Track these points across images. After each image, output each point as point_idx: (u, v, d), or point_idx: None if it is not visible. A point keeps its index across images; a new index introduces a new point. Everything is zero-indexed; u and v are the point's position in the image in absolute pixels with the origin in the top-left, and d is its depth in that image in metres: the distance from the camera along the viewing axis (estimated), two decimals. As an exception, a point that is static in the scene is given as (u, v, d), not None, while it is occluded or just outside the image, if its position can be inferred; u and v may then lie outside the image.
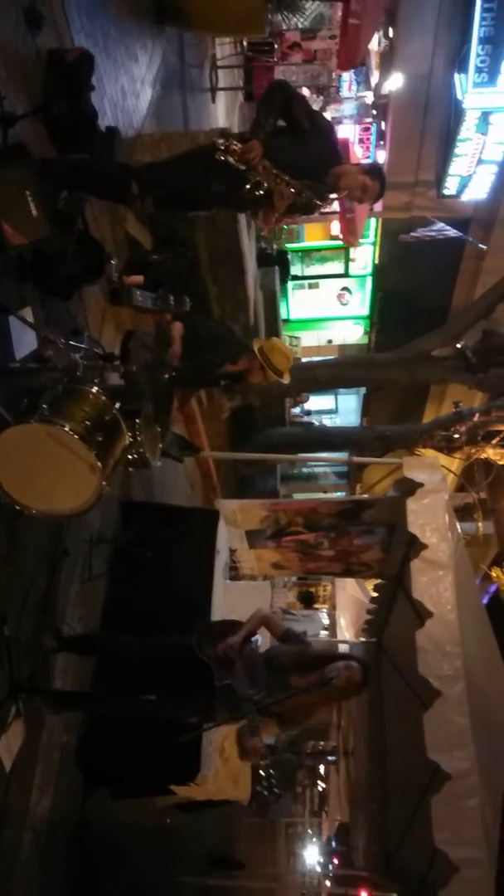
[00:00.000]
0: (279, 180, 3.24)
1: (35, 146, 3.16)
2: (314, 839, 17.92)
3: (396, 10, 11.23)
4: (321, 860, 16.46)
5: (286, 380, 3.66)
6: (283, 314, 13.44)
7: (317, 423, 14.89)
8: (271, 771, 2.64)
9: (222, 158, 3.16)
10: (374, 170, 3.53)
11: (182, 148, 4.01)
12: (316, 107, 13.15)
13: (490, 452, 8.39)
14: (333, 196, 3.49)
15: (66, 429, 2.37)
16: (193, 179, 3.34)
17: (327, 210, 13.77)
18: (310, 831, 18.30)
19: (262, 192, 3.27)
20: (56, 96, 3.24)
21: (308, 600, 15.66)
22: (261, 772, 2.63)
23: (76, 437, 2.38)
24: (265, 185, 3.25)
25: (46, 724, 3.26)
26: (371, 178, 3.45)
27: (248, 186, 3.24)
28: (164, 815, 5.15)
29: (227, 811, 6.37)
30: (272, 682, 3.03)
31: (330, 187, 3.43)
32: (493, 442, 8.31)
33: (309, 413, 16.22)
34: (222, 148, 3.15)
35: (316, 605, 16.06)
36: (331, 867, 14.97)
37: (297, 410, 15.11)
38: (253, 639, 3.27)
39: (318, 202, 3.41)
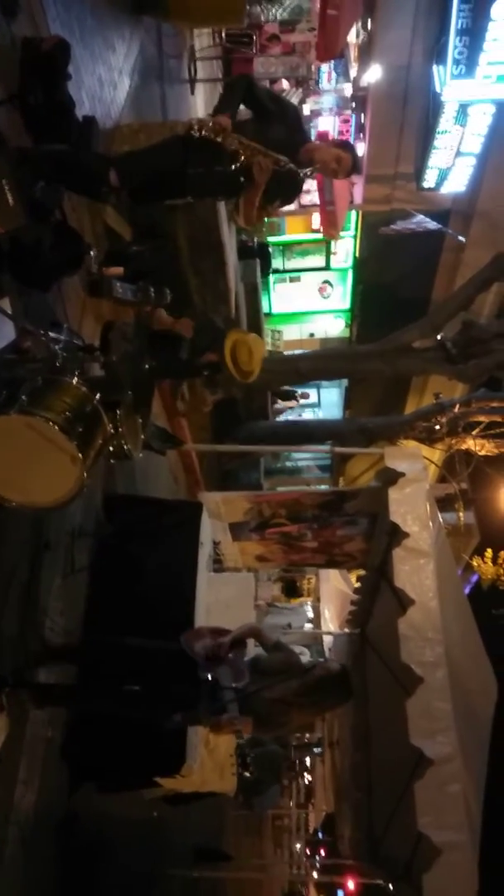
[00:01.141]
0: (255, 151, 3.24)
1: (11, 135, 3.12)
2: (301, 831, 18.06)
3: (375, 1, 11.24)
4: (308, 851, 16.59)
5: (243, 378, 3.61)
6: (264, 308, 13.41)
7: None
8: (252, 755, 2.64)
9: (197, 135, 3.16)
10: (343, 143, 3.60)
11: (161, 138, 3.99)
12: (295, 99, 13.18)
13: (471, 443, 8.46)
14: (311, 170, 3.49)
15: (47, 420, 2.35)
16: (171, 164, 3.34)
17: (307, 203, 13.80)
18: (296, 823, 18.43)
19: (239, 165, 3.27)
20: (32, 85, 3.20)
21: (291, 591, 15.71)
22: (245, 755, 2.63)
23: (57, 427, 2.35)
24: (242, 157, 3.25)
25: (30, 718, 3.25)
26: (343, 150, 3.49)
27: (224, 160, 3.24)
28: (150, 807, 5.16)
29: (213, 804, 6.39)
30: (256, 683, 3.05)
31: (304, 164, 3.45)
32: (474, 433, 8.38)
33: (307, 396, 16.18)
34: (196, 126, 3.17)
35: (299, 598, 16.12)
36: (317, 858, 15.08)
37: (279, 404, 15.09)
38: (241, 649, 3.29)
39: (299, 171, 3.41)
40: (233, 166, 3.26)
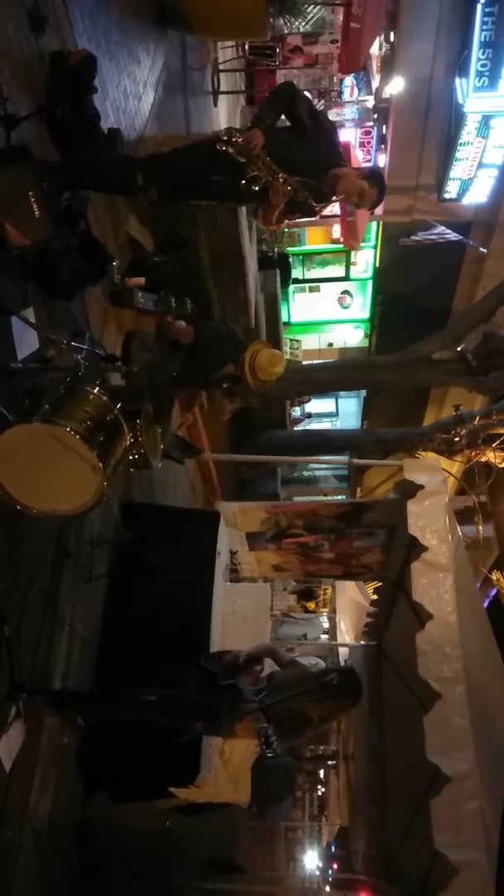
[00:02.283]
0: (276, 176, 3.26)
1: (38, 148, 3.17)
2: (314, 843, 17.87)
3: (398, 14, 11.27)
4: (321, 865, 16.41)
5: (259, 388, 3.62)
6: (283, 317, 13.43)
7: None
8: (271, 736, 2.63)
9: (223, 148, 3.18)
10: (372, 175, 3.53)
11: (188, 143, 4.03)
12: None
13: (490, 455, 8.38)
14: (332, 199, 3.49)
15: (68, 429, 2.37)
16: (195, 169, 3.37)
17: (328, 213, 13.82)
18: (309, 836, 18.24)
19: (258, 188, 3.29)
20: (59, 98, 3.25)
21: (307, 596, 15.61)
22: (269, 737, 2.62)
23: (78, 437, 2.38)
24: (262, 179, 3.27)
25: (46, 725, 3.26)
26: (370, 183, 3.45)
27: (244, 181, 3.26)
28: (164, 817, 5.14)
29: (227, 814, 6.35)
30: (274, 696, 3.04)
31: (329, 188, 3.44)
32: (494, 445, 8.30)
33: (310, 415, 16.21)
34: (225, 138, 3.19)
35: (314, 608, 16.05)
36: (330, 872, 14.91)
37: (297, 412, 15.11)
38: (258, 665, 3.30)
39: (315, 203, 3.41)
40: (252, 187, 3.28)
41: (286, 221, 3.69)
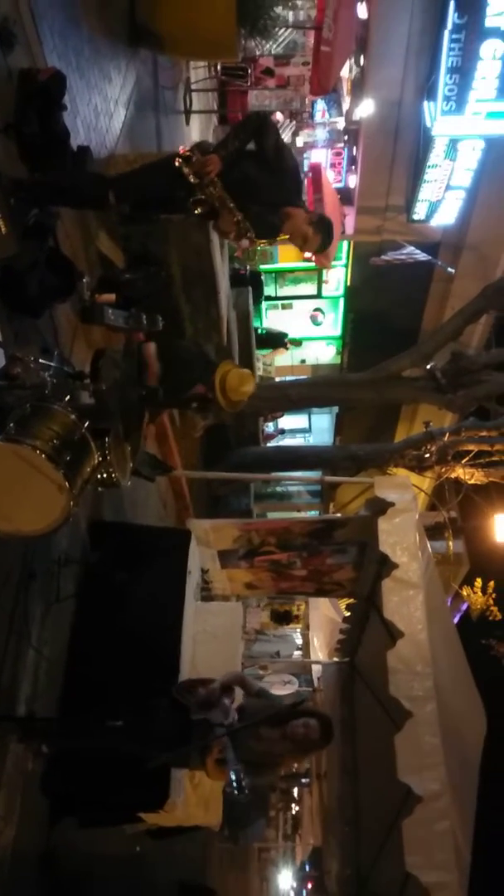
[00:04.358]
0: (224, 205, 3.29)
1: (6, 164, 3.14)
2: (287, 863, 17.68)
3: (367, 38, 11.50)
4: (294, 885, 16.22)
5: (231, 409, 3.63)
6: (257, 332, 13.50)
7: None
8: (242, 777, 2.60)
9: (178, 164, 3.20)
10: (320, 222, 3.55)
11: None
12: (288, 131, 13.41)
13: (460, 472, 8.47)
14: (276, 237, 3.52)
15: (34, 448, 2.33)
16: (161, 186, 3.39)
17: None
18: (283, 856, 18.05)
19: (203, 210, 3.32)
20: (27, 116, 3.23)
21: (284, 619, 15.56)
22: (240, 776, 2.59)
23: (44, 456, 2.34)
24: (209, 204, 3.30)
25: (11, 751, 3.17)
26: (314, 230, 3.48)
27: (190, 201, 3.29)
28: (133, 842, 5.04)
29: (198, 837, 6.25)
30: (242, 732, 3.02)
31: (277, 224, 3.47)
32: (463, 461, 8.40)
33: (283, 432, 16.25)
34: (184, 155, 3.21)
35: (291, 625, 15.99)
36: (304, 892, 14.74)
37: (270, 428, 15.13)
38: (230, 694, 3.28)
39: (256, 239, 3.44)
40: (196, 210, 3.30)
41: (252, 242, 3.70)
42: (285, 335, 14.36)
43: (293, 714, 3.11)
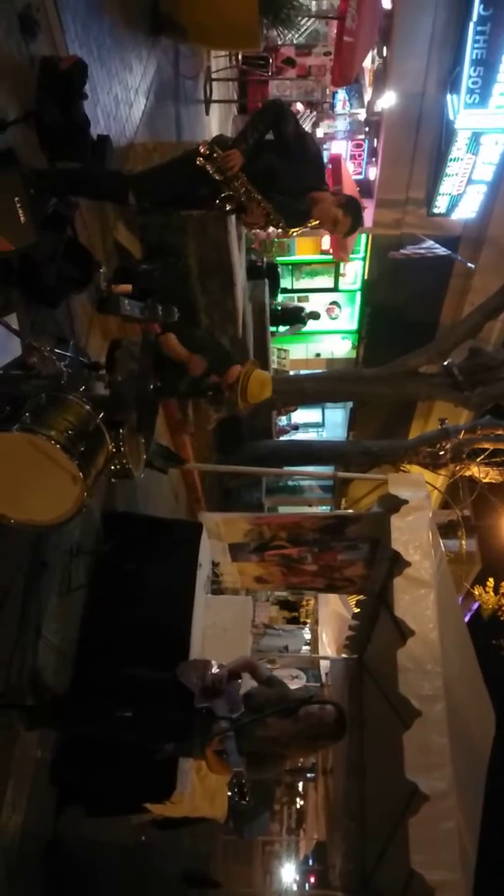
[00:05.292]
0: (252, 198, 3.26)
1: (26, 153, 3.13)
2: (291, 857, 17.76)
3: (391, 30, 11.38)
4: (298, 878, 16.30)
5: (244, 407, 3.62)
6: (271, 327, 13.46)
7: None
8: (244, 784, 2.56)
9: (201, 163, 3.18)
10: (349, 204, 3.51)
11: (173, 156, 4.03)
12: (309, 122, 13.31)
13: (475, 470, 8.42)
14: (307, 223, 3.49)
15: (48, 438, 2.33)
16: (181, 185, 3.38)
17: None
18: (287, 849, 18.13)
19: (231, 207, 3.30)
20: (48, 104, 3.21)
21: (291, 608, 15.53)
22: (242, 784, 2.56)
23: (58, 446, 2.34)
24: (236, 199, 3.29)
25: (20, 739, 3.19)
26: (344, 212, 3.46)
27: (217, 200, 3.28)
28: (139, 832, 5.07)
29: (203, 828, 6.28)
30: (250, 717, 2.98)
31: (305, 210, 3.45)
32: (478, 460, 8.34)
33: (296, 427, 16.21)
34: (205, 153, 3.19)
35: (298, 620, 16.00)
36: (307, 886, 14.82)
37: (283, 421, 15.10)
38: (236, 681, 3.23)
39: (287, 227, 3.42)
40: (225, 205, 3.28)
41: (273, 231, 3.71)
42: (302, 310, 14.22)
43: (305, 702, 3.05)
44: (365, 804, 5.22)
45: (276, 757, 3.09)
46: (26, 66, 3.22)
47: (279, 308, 13.65)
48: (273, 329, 12.53)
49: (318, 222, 3.48)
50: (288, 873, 17.15)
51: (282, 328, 14.16)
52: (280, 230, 3.52)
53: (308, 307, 15.01)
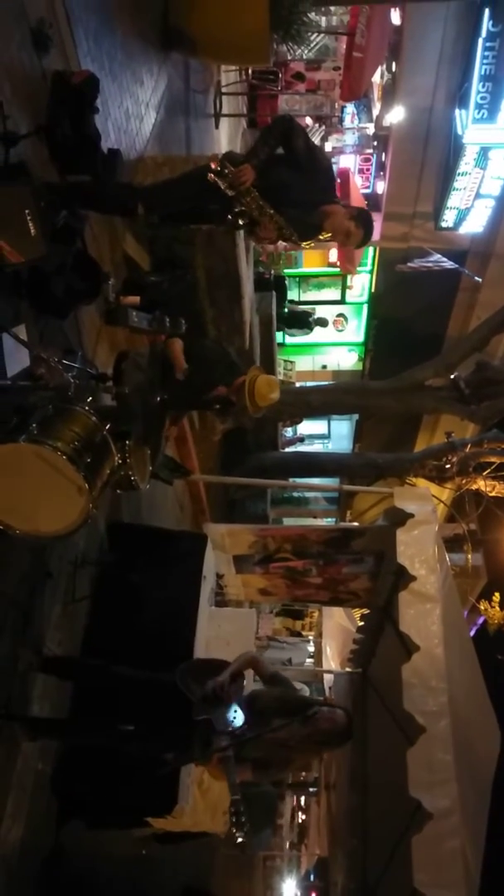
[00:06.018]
0: (264, 212, 3.28)
1: (37, 167, 3.16)
2: (292, 872, 17.57)
3: (400, 45, 11.46)
4: (298, 894, 16.12)
5: (254, 412, 3.64)
6: (278, 338, 13.49)
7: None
8: (242, 809, 2.50)
9: (212, 179, 3.20)
10: (360, 216, 3.55)
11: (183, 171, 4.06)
12: (318, 136, 13.39)
13: (481, 483, 8.39)
14: (319, 236, 3.52)
15: (55, 449, 2.34)
16: (191, 199, 3.41)
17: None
18: (288, 864, 17.94)
19: (244, 222, 3.33)
20: (59, 118, 3.25)
21: (295, 616, 15.45)
22: (240, 813, 2.49)
23: (64, 457, 2.34)
24: (249, 214, 3.32)
25: (22, 750, 3.18)
26: (356, 224, 3.49)
27: (230, 216, 3.31)
28: (140, 845, 5.03)
29: (204, 843, 6.22)
30: (253, 724, 2.93)
31: (317, 223, 3.47)
32: (485, 473, 8.32)
33: (302, 439, 16.21)
34: (216, 169, 3.22)
35: (302, 631, 15.93)
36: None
37: (288, 433, 15.09)
38: (240, 680, 3.18)
39: (299, 241, 3.45)
40: (238, 221, 3.31)
41: (281, 244, 3.74)
42: (310, 314, 14.24)
43: (310, 706, 3.02)
44: (368, 820, 5.16)
45: (282, 760, 3.04)
46: (38, 81, 3.26)
47: (287, 311, 13.69)
48: (280, 338, 12.55)
49: (330, 235, 3.51)
50: (289, 889, 16.97)
51: (289, 339, 14.19)
52: (291, 243, 3.54)
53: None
